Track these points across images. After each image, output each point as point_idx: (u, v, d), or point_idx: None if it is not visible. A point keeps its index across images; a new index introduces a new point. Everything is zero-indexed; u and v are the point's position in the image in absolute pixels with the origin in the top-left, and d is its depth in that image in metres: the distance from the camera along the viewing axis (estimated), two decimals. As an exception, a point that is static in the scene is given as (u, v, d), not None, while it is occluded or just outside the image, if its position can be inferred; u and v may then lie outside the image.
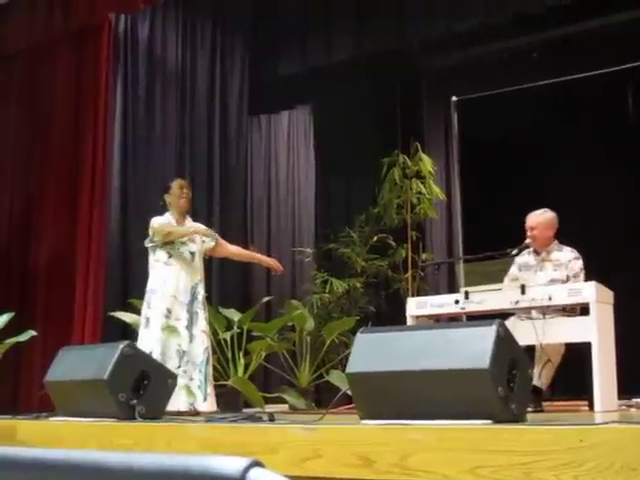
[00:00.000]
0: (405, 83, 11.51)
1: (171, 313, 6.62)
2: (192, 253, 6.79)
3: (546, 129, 10.28)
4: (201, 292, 6.75)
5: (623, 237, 9.31)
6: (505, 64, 10.59)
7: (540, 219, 6.85)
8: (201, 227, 7.00)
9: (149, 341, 6.49)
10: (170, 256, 6.76)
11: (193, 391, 6.44)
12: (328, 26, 9.93)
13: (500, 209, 9.85)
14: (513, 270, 6.93)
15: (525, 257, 6.94)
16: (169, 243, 6.75)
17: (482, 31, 9.53)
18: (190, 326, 6.60)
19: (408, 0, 9.33)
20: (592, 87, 9.93)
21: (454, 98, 11.35)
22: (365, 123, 11.30)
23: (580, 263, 6.71)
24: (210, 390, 6.58)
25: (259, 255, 7.52)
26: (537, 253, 6.89)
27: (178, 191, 6.90)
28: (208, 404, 6.50)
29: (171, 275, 6.72)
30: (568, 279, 6.61)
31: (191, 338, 6.58)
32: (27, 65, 9.42)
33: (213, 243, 6.96)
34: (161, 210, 6.94)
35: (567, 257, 6.74)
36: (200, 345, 6.58)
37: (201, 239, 6.88)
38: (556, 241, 6.88)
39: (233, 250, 7.33)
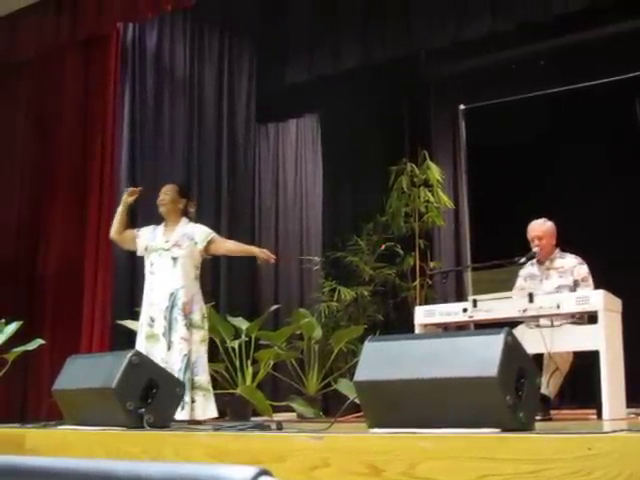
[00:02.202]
0: (413, 91, 11.51)
1: (154, 321, 6.60)
2: (174, 259, 6.70)
3: (553, 137, 10.27)
4: (182, 298, 6.59)
5: (631, 246, 9.29)
6: (512, 72, 10.59)
7: (545, 228, 6.91)
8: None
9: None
10: (152, 264, 6.77)
11: None
12: (335, 34, 9.94)
13: (508, 217, 9.84)
14: (520, 282, 6.98)
15: (529, 268, 6.98)
16: (153, 251, 6.78)
17: (489, 39, 9.54)
18: (167, 333, 6.52)
19: (415, 8, 9.33)
20: (600, 95, 9.93)
21: (462, 106, 11.36)
22: (373, 131, 11.33)
23: (586, 268, 6.76)
24: (188, 399, 6.35)
25: (254, 248, 7.23)
26: (540, 263, 6.93)
27: (158, 199, 6.96)
28: (185, 413, 6.30)
29: (154, 283, 6.72)
30: (576, 284, 6.65)
31: (169, 345, 6.49)
32: (36, 73, 9.44)
33: (205, 244, 6.82)
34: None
35: (571, 263, 6.80)
36: (178, 352, 6.45)
37: (193, 242, 6.85)
38: (558, 249, 6.93)
39: (230, 247, 7.14)
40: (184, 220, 6.90)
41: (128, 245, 7.06)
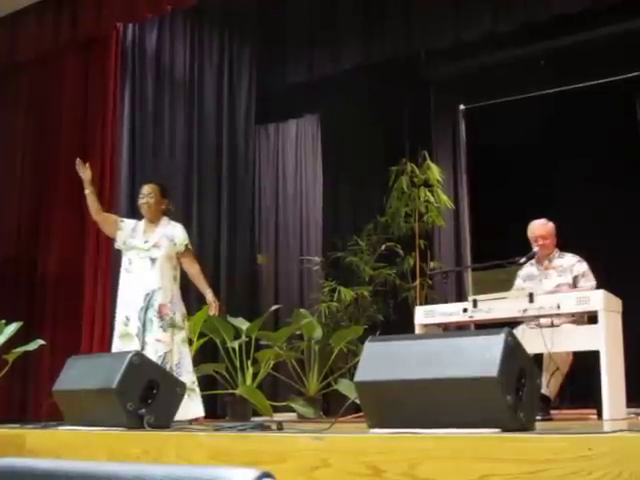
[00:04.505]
0: (413, 92, 11.49)
1: (129, 320, 6.60)
2: (153, 259, 6.70)
3: (553, 137, 10.27)
4: (158, 300, 6.59)
5: (631, 245, 9.29)
6: (513, 72, 10.57)
7: (548, 228, 6.94)
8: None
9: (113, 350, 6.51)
10: (130, 263, 6.77)
11: None
12: (335, 35, 9.95)
13: (508, 217, 9.83)
14: (518, 282, 7.00)
15: (528, 269, 7.00)
16: (132, 249, 6.78)
17: (489, 40, 9.54)
18: (141, 334, 6.52)
19: (415, 9, 9.34)
20: (600, 95, 9.92)
21: (462, 107, 11.36)
22: (373, 131, 11.32)
23: (585, 265, 6.81)
24: None
25: (209, 294, 6.90)
26: (539, 263, 6.95)
27: (141, 200, 6.98)
28: None
29: (130, 282, 6.72)
30: (575, 281, 6.69)
31: (142, 346, 6.46)
32: (35, 75, 9.45)
33: (183, 247, 6.83)
34: None
35: (570, 262, 6.84)
36: (153, 353, 6.38)
37: (172, 243, 6.82)
38: (557, 249, 6.96)
39: (193, 271, 6.96)
40: (164, 219, 6.92)
41: (108, 230, 7.01)
